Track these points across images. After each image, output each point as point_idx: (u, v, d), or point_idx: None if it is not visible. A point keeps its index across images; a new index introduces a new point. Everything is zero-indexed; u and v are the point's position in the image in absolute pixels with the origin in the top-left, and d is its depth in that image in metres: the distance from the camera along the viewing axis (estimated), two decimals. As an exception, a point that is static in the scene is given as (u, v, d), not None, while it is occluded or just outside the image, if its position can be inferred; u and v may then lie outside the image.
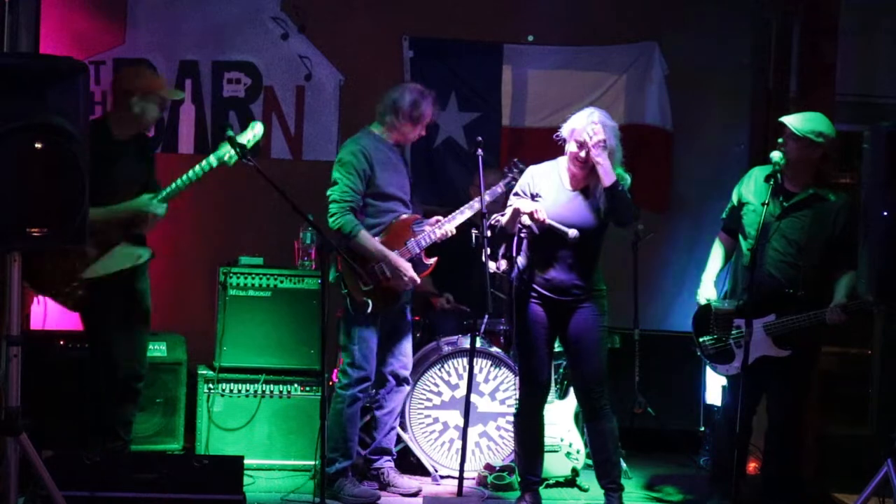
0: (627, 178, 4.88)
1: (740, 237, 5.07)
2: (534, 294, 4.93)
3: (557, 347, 5.60)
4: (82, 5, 6.39)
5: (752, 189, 5.03)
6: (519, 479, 5.16)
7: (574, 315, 4.91)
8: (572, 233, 4.79)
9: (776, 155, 4.83)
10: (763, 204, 4.78)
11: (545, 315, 4.94)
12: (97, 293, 4.98)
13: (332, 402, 5.25)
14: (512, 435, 5.66)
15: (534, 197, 4.93)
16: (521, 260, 4.98)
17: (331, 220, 5.11)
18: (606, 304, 4.99)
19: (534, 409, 5.07)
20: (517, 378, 5.65)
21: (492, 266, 5.04)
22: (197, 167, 4.97)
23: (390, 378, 5.39)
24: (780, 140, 4.94)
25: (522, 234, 4.94)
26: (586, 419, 5.10)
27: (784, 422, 5.01)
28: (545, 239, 4.87)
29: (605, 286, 5.00)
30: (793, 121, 4.91)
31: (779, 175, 4.84)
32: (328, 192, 5.15)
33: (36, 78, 3.64)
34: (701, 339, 5.11)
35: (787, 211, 4.89)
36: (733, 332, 4.95)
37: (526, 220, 4.85)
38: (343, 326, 5.30)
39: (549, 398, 5.49)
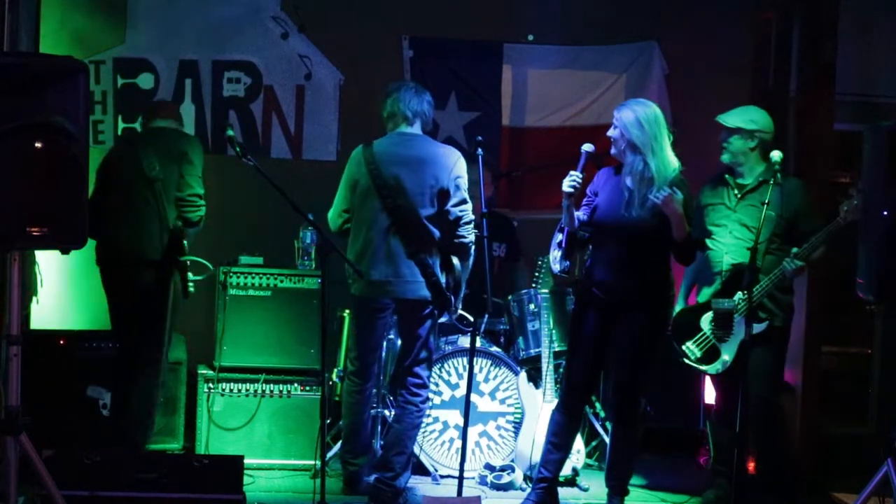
0: (672, 164, 4.78)
1: (707, 241, 5.21)
2: (590, 295, 4.89)
3: (560, 347, 5.63)
4: (82, 5, 6.39)
5: (708, 192, 5.29)
6: (536, 470, 5.12)
7: (623, 319, 4.83)
8: (585, 147, 4.84)
9: (776, 154, 4.90)
10: (763, 203, 4.82)
11: (597, 317, 4.88)
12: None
13: (410, 418, 5.17)
14: (512, 434, 5.68)
15: (596, 195, 4.94)
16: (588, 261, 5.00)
17: (472, 237, 5.12)
18: (667, 311, 4.91)
19: (570, 410, 5.02)
20: (518, 377, 5.68)
21: (555, 268, 5.04)
22: None
23: None
24: (721, 140, 5.18)
25: (580, 234, 4.92)
26: (612, 421, 5.12)
27: (761, 413, 5.06)
28: (603, 240, 4.87)
29: (671, 292, 4.91)
30: (724, 117, 5.19)
31: (779, 175, 4.90)
32: (464, 213, 5.11)
33: (36, 78, 3.64)
34: (684, 346, 5.17)
35: (740, 201, 5.09)
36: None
37: (578, 211, 4.88)
38: (429, 339, 5.22)
39: (549, 397, 5.51)
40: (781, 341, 5.17)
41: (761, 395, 5.05)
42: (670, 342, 5.17)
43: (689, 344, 5.17)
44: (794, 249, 4.92)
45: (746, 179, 5.15)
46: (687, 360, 5.21)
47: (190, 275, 5.30)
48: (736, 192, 5.15)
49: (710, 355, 5.11)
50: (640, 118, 4.75)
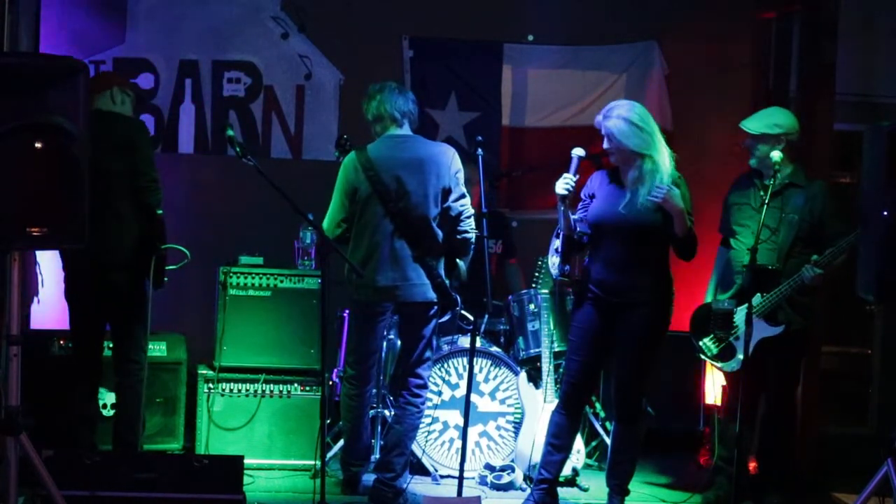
0: (661, 162, 4.76)
1: (731, 240, 5.24)
2: (590, 295, 4.89)
3: (560, 347, 5.63)
4: (82, 5, 6.40)
5: (735, 191, 5.32)
6: (536, 471, 5.12)
7: (624, 318, 4.81)
8: (576, 151, 4.84)
9: (776, 155, 4.96)
10: (766, 204, 4.86)
11: (597, 317, 4.86)
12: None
13: (411, 419, 5.18)
14: (512, 434, 5.68)
15: (591, 198, 4.94)
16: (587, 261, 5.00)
17: (473, 234, 5.13)
18: (667, 310, 4.87)
19: (570, 410, 5.00)
20: (518, 377, 5.67)
21: (555, 273, 5.04)
22: None
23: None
24: (747, 147, 5.18)
25: (577, 236, 4.92)
26: (613, 420, 5.11)
27: (773, 412, 5.12)
28: (602, 239, 4.87)
29: (671, 289, 4.88)
30: (748, 123, 5.18)
31: (779, 175, 4.96)
32: (465, 207, 5.13)
33: (36, 78, 3.64)
34: (701, 342, 5.18)
35: (765, 203, 5.04)
36: (733, 331, 5.03)
37: (575, 215, 4.89)
38: (433, 340, 5.25)
39: (549, 398, 5.51)
40: (799, 345, 5.17)
41: (773, 398, 5.06)
42: (672, 340, 5.17)
43: (705, 340, 5.19)
44: (815, 257, 4.92)
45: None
46: (704, 356, 5.23)
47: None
48: (762, 193, 5.11)
49: (727, 353, 5.13)
50: (632, 121, 4.75)
